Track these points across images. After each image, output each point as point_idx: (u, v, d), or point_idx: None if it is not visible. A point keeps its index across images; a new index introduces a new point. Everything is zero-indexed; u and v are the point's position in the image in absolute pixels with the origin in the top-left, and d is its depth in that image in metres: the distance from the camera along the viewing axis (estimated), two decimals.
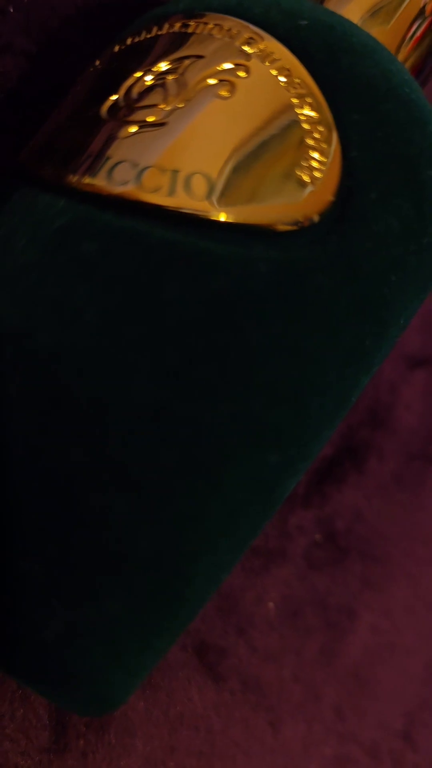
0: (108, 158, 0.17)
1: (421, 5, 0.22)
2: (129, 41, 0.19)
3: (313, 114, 0.17)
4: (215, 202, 0.17)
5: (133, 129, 0.17)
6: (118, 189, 0.17)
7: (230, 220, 0.17)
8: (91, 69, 0.20)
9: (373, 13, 0.22)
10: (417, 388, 0.37)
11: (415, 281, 0.19)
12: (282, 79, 0.18)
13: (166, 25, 0.19)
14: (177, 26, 0.19)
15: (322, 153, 0.17)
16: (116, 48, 0.20)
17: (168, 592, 0.17)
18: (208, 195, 0.17)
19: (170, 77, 0.18)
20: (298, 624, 0.31)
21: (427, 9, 0.22)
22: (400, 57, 0.22)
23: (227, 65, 0.18)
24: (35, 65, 0.24)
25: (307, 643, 0.31)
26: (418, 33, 0.23)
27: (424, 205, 0.19)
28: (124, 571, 0.16)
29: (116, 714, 0.25)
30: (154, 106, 0.18)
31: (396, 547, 0.35)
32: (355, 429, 0.35)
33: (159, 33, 0.19)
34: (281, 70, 0.18)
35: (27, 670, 0.17)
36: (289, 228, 0.17)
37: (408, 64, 0.23)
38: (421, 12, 0.22)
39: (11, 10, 0.23)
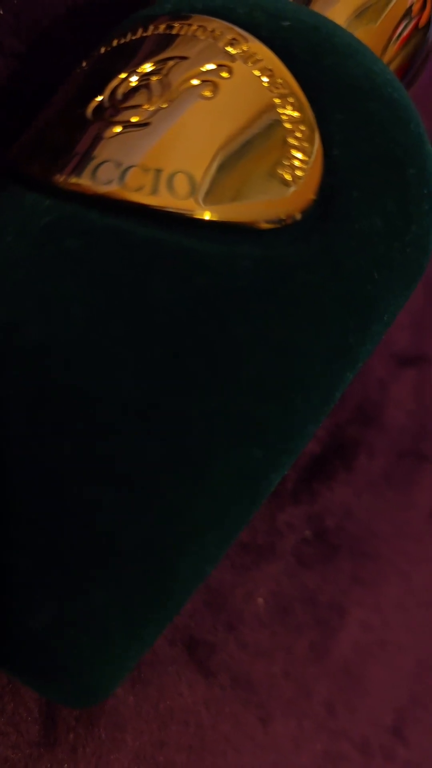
0: (93, 158, 0.17)
1: (408, 5, 0.23)
2: (115, 43, 0.20)
3: (295, 114, 0.18)
4: (198, 201, 0.17)
5: (118, 129, 0.18)
6: (102, 188, 0.17)
7: (213, 219, 0.17)
8: (78, 70, 0.20)
9: (360, 13, 0.22)
10: (407, 386, 0.37)
11: (399, 278, 0.19)
12: (264, 79, 0.18)
13: (152, 27, 0.19)
14: (162, 28, 0.19)
15: (304, 152, 0.17)
16: (102, 49, 0.20)
17: (155, 584, 0.17)
18: (191, 194, 0.17)
19: (154, 78, 0.18)
20: (288, 620, 0.31)
21: (414, 9, 0.23)
22: (387, 57, 0.23)
23: (210, 66, 0.18)
24: (26, 66, 0.24)
25: (297, 639, 0.31)
26: (405, 33, 0.23)
27: (407, 203, 0.19)
28: (111, 564, 0.17)
29: (106, 708, 0.25)
30: (139, 106, 0.18)
31: (386, 544, 0.36)
32: (344, 426, 0.35)
33: (144, 34, 0.19)
34: (264, 71, 0.18)
35: (15, 661, 0.17)
36: (272, 226, 0.17)
37: (394, 64, 0.23)
38: (408, 12, 0.23)
39: (1, 12, 0.23)
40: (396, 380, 0.37)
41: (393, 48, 0.23)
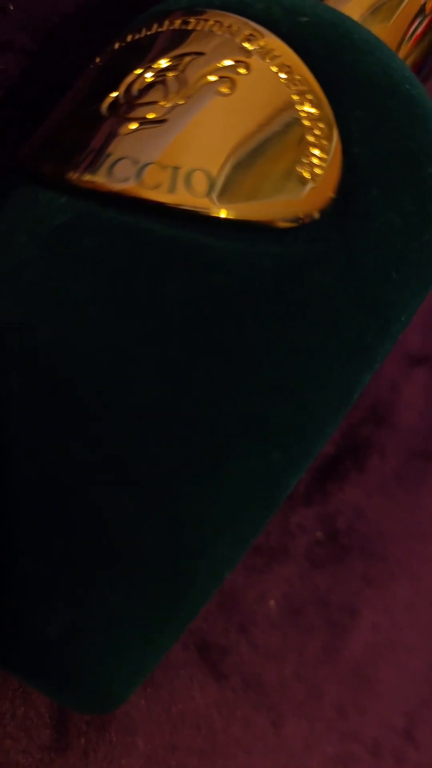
0: (108, 155, 0.17)
1: (422, 3, 0.22)
2: (129, 38, 0.19)
3: (313, 111, 0.17)
4: (216, 199, 0.17)
5: (134, 126, 0.17)
6: (118, 186, 0.17)
7: (231, 217, 0.17)
8: (92, 66, 0.20)
9: (374, 10, 0.22)
10: (418, 386, 0.37)
11: (417, 278, 0.19)
12: (282, 75, 0.18)
13: (167, 22, 0.19)
14: (177, 23, 0.19)
15: (322, 150, 0.17)
16: (116, 45, 0.20)
17: (170, 589, 0.17)
18: (209, 192, 0.17)
19: (170, 74, 0.18)
20: (300, 622, 0.31)
21: (428, 7, 0.22)
22: (401, 55, 0.22)
23: (228, 62, 0.18)
24: (35, 63, 0.24)
25: (308, 641, 0.31)
26: (419, 31, 0.22)
27: (425, 201, 0.19)
28: (125, 568, 0.16)
29: (118, 712, 0.25)
30: (155, 102, 0.18)
31: (397, 545, 0.35)
32: (356, 427, 0.35)
33: (159, 30, 0.19)
34: (282, 67, 0.18)
35: (28, 668, 0.17)
36: (289, 225, 0.17)
37: (408, 62, 0.23)
38: (422, 10, 0.22)
39: (11, 8, 0.23)
40: (407, 380, 0.37)
41: (407, 46, 0.22)
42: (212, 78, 0.18)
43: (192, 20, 0.19)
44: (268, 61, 0.18)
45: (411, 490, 0.36)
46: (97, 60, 0.20)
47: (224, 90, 0.17)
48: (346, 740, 0.32)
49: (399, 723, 0.34)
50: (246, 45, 0.18)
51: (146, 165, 0.17)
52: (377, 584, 0.34)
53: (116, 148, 0.17)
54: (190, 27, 0.19)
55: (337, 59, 0.18)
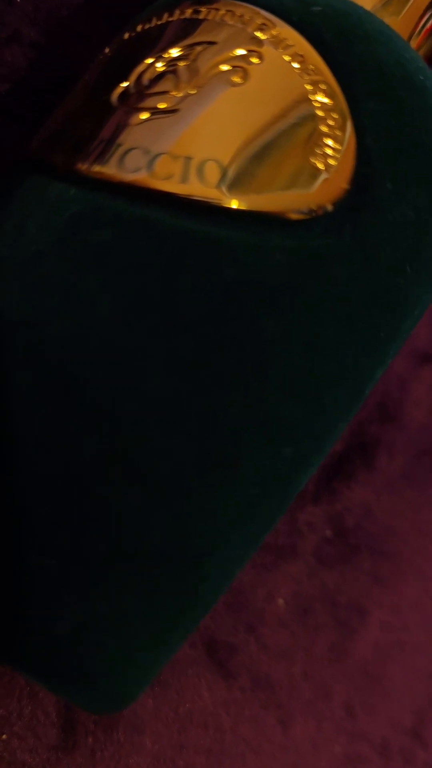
0: (119, 145, 0.17)
1: None
2: (139, 28, 0.19)
3: (327, 101, 0.17)
4: (228, 190, 0.16)
5: (145, 116, 0.17)
6: (129, 176, 0.17)
7: (243, 208, 0.16)
8: (101, 56, 0.20)
9: (385, 3, 0.22)
10: (426, 384, 0.37)
11: (430, 272, 0.19)
12: (295, 65, 0.17)
13: (177, 12, 0.19)
14: (188, 13, 0.19)
15: (336, 140, 0.17)
16: (126, 35, 0.19)
17: (181, 587, 0.17)
18: (221, 182, 0.16)
19: (182, 64, 0.18)
20: (308, 621, 0.31)
21: None
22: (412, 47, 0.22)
23: (240, 51, 0.18)
24: (43, 55, 0.24)
25: (317, 640, 0.31)
26: (429, 24, 0.22)
27: None
28: (136, 566, 0.16)
29: (125, 711, 0.25)
30: (166, 92, 0.17)
31: (406, 543, 0.35)
32: (364, 425, 0.34)
33: (170, 19, 0.19)
34: (295, 57, 0.17)
35: (38, 667, 0.17)
36: (302, 217, 0.17)
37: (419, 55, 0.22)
38: None
39: (18, 0, 0.23)
40: (415, 378, 0.37)
41: (417, 39, 0.22)
42: (224, 67, 0.17)
43: (203, 9, 0.19)
44: (280, 50, 0.17)
45: (419, 488, 0.36)
46: (107, 50, 0.20)
47: (236, 80, 0.17)
48: (354, 740, 0.32)
49: (407, 722, 0.34)
50: (258, 34, 0.18)
51: (158, 155, 0.17)
52: (386, 583, 0.34)
53: (127, 139, 0.17)
54: (201, 16, 0.18)
55: (350, 49, 0.18)
